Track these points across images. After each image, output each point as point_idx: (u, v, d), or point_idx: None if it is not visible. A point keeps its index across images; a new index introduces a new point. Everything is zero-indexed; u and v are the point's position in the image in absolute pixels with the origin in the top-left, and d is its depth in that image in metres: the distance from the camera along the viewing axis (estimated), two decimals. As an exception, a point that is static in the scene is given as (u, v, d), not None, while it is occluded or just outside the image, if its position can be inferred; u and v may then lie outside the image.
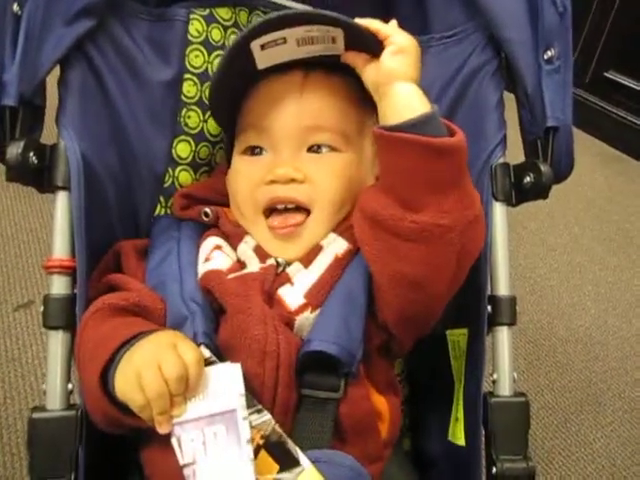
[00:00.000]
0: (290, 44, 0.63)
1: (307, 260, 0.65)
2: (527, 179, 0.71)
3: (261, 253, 0.66)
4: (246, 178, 0.68)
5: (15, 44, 0.61)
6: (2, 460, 1.08)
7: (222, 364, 0.54)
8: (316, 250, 0.65)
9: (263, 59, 0.64)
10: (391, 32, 0.62)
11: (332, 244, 0.66)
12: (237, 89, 0.69)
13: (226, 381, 0.53)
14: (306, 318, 0.61)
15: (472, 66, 0.76)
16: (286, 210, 0.66)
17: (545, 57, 0.70)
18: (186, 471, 0.51)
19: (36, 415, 0.58)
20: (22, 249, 1.51)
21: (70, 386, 0.61)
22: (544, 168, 0.69)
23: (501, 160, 0.72)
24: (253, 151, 0.69)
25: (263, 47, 0.63)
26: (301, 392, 0.58)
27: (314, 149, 0.67)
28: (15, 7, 0.61)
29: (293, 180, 0.65)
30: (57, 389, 0.60)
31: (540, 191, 0.70)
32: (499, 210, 0.71)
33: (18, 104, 0.61)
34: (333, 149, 0.68)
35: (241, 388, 0.52)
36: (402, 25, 0.82)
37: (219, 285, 0.61)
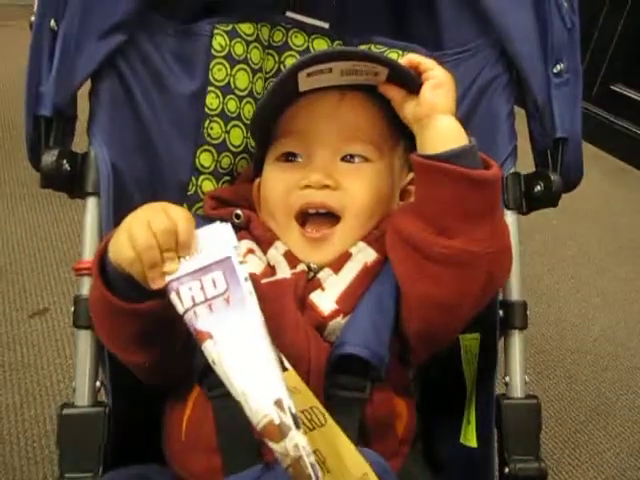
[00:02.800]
0: (335, 73, 0.66)
1: (337, 266, 0.67)
2: (537, 188, 0.73)
3: (291, 258, 0.68)
4: (280, 183, 0.70)
5: (51, 58, 0.65)
6: (19, 464, 1.10)
7: (211, 224, 0.55)
8: (345, 257, 0.68)
9: (306, 84, 0.67)
10: (430, 66, 0.66)
11: (361, 252, 0.68)
12: (277, 106, 0.71)
13: (218, 238, 0.53)
14: (337, 323, 0.63)
15: (484, 80, 0.79)
16: (318, 215, 0.68)
17: (554, 71, 0.73)
18: (187, 316, 0.50)
19: (66, 411, 0.61)
20: (37, 258, 1.54)
21: (98, 384, 0.63)
22: (554, 177, 0.72)
23: (512, 170, 0.75)
24: (288, 157, 0.71)
25: (309, 75, 0.66)
26: (330, 392, 0.60)
27: (348, 158, 0.70)
28: (52, 23, 0.65)
29: (326, 186, 0.67)
30: (86, 387, 0.63)
31: (550, 199, 0.73)
32: (510, 218, 0.74)
33: (53, 114, 0.65)
34: (366, 159, 0.70)
35: (234, 241, 0.53)
36: (416, 41, 0.86)
37: (255, 288, 0.63)
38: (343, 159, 0.70)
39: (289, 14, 0.89)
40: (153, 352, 0.59)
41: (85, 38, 0.66)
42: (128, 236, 0.52)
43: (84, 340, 0.64)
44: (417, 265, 0.61)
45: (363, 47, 0.87)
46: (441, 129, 0.63)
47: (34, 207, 1.66)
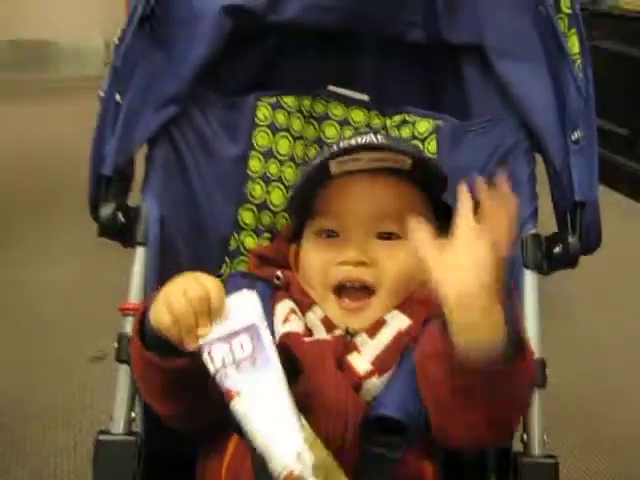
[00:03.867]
0: (363, 161, 0.74)
1: (372, 332, 0.71)
2: (557, 249, 0.76)
3: (328, 324, 0.73)
4: (318, 258, 0.76)
5: (114, 125, 0.75)
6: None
7: (238, 292, 0.62)
8: (380, 323, 0.72)
9: (338, 168, 0.74)
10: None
11: (395, 319, 0.72)
12: (312, 188, 0.78)
13: (245, 305, 0.61)
14: (373, 383, 0.67)
15: (507, 145, 0.84)
16: (353, 288, 0.73)
17: (572, 138, 0.77)
18: (218, 375, 0.57)
19: (101, 437, 0.67)
20: (99, 303, 1.64)
21: (133, 415, 0.69)
22: (571, 239, 0.74)
23: (532, 231, 0.79)
24: (326, 234, 0.77)
25: (340, 162, 0.73)
26: (365, 448, 0.64)
27: (382, 236, 0.75)
28: (117, 97, 0.76)
29: (362, 263, 0.72)
30: (122, 416, 0.69)
31: (568, 261, 0.75)
32: (529, 278, 0.77)
33: (113, 174, 0.75)
34: (399, 237, 0.74)
35: (258, 308, 0.61)
36: (447, 110, 0.93)
37: (299, 346, 0.68)
38: (378, 236, 0.75)
39: (331, 88, 0.98)
40: (178, 405, 0.66)
41: (144, 110, 0.76)
42: (166, 303, 0.60)
43: (124, 373, 0.70)
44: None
45: (397, 117, 0.95)
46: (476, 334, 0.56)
47: (97, 254, 1.80)
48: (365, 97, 0.98)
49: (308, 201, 0.79)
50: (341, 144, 0.74)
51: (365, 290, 0.73)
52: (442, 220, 0.79)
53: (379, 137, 0.77)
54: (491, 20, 0.83)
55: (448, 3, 0.86)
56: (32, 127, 2.62)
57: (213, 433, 0.68)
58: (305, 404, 0.64)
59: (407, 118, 0.94)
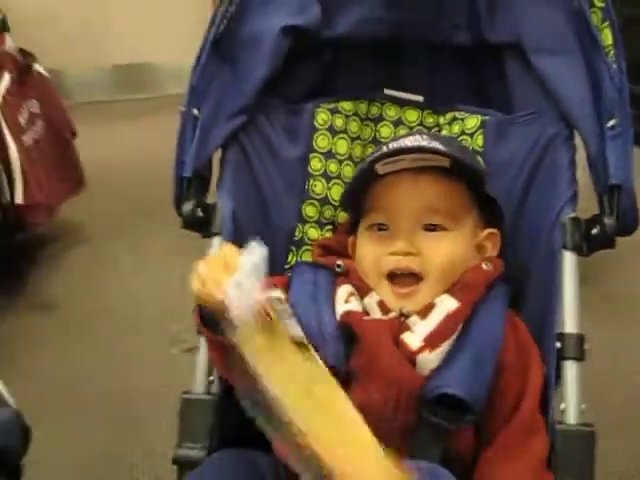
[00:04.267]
0: (407, 160, 0.82)
1: (423, 314, 0.79)
2: (594, 230, 0.81)
3: (383, 307, 0.82)
4: (371, 249, 0.85)
5: (193, 135, 0.89)
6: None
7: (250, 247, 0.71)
8: (430, 306, 0.79)
9: (384, 169, 0.83)
10: None
11: (444, 302, 0.79)
12: (362, 188, 0.88)
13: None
14: (426, 357, 0.75)
15: (548, 135, 0.90)
16: (403, 275, 0.82)
17: (608, 125, 0.82)
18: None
19: (185, 396, 0.81)
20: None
21: (211, 378, 0.82)
22: (608, 221, 0.79)
23: (572, 214, 0.83)
24: (377, 227, 0.86)
25: (385, 164, 0.82)
26: (424, 415, 0.72)
27: (428, 228, 0.83)
28: (195, 111, 0.90)
29: (409, 253, 0.81)
30: (201, 379, 0.82)
31: (605, 242, 0.80)
32: (569, 258, 0.82)
33: (192, 176, 0.88)
34: (443, 228, 0.82)
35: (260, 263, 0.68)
36: (494, 105, 0.99)
37: (358, 323, 0.78)
38: (424, 228, 0.83)
39: (387, 91, 1.07)
40: None
41: (217, 121, 0.90)
42: (195, 272, 0.70)
43: (203, 344, 0.83)
44: None
45: (449, 115, 1.02)
46: None
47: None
48: (420, 98, 1.06)
49: (361, 198, 0.88)
50: (384, 148, 0.83)
51: (414, 277, 0.81)
52: (486, 210, 0.86)
53: (424, 137, 0.85)
54: (527, 18, 0.90)
55: (488, 5, 0.93)
56: (144, 142, 2.90)
57: None
58: (361, 372, 0.74)
59: (457, 115, 1.02)
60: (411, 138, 0.85)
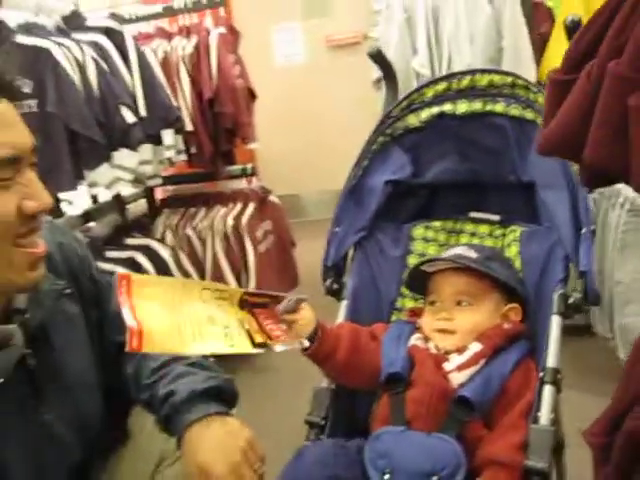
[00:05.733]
0: (442, 263, 1.36)
1: (460, 352, 1.29)
2: (570, 300, 1.24)
3: (436, 348, 1.31)
4: (428, 315, 1.37)
5: (333, 242, 1.54)
6: None
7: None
8: (463, 348, 1.29)
9: (429, 268, 1.37)
10: None
11: (473, 346, 1.28)
12: (415, 280, 1.44)
13: None
14: (455, 375, 1.24)
15: (554, 239, 1.37)
16: (444, 331, 1.32)
17: (581, 232, 1.26)
18: None
19: (315, 387, 1.39)
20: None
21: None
22: (577, 295, 1.23)
23: (561, 291, 1.28)
24: (430, 303, 1.38)
25: (430, 265, 1.38)
26: (450, 411, 1.20)
27: (460, 304, 1.33)
28: (336, 229, 1.55)
29: (447, 319, 1.32)
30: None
31: (576, 309, 1.22)
32: (555, 320, 1.26)
33: (331, 264, 1.53)
34: (470, 304, 1.33)
35: None
36: (519, 218, 1.50)
37: (417, 351, 1.31)
38: (457, 304, 1.33)
39: (473, 214, 1.61)
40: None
41: (348, 234, 1.53)
42: None
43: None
44: None
45: (510, 227, 1.53)
46: None
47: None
48: (496, 217, 1.59)
49: (426, 285, 1.42)
50: (427, 258, 1.41)
51: (449, 332, 1.31)
52: (505, 293, 1.35)
53: (465, 248, 1.39)
54: (537, 165, 1.41)
55: (520, 159, 1.46)
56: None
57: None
58: (416, 381, 1.26)
59: (514, 227, 1.52)
60: (458, 248, 1.39)
